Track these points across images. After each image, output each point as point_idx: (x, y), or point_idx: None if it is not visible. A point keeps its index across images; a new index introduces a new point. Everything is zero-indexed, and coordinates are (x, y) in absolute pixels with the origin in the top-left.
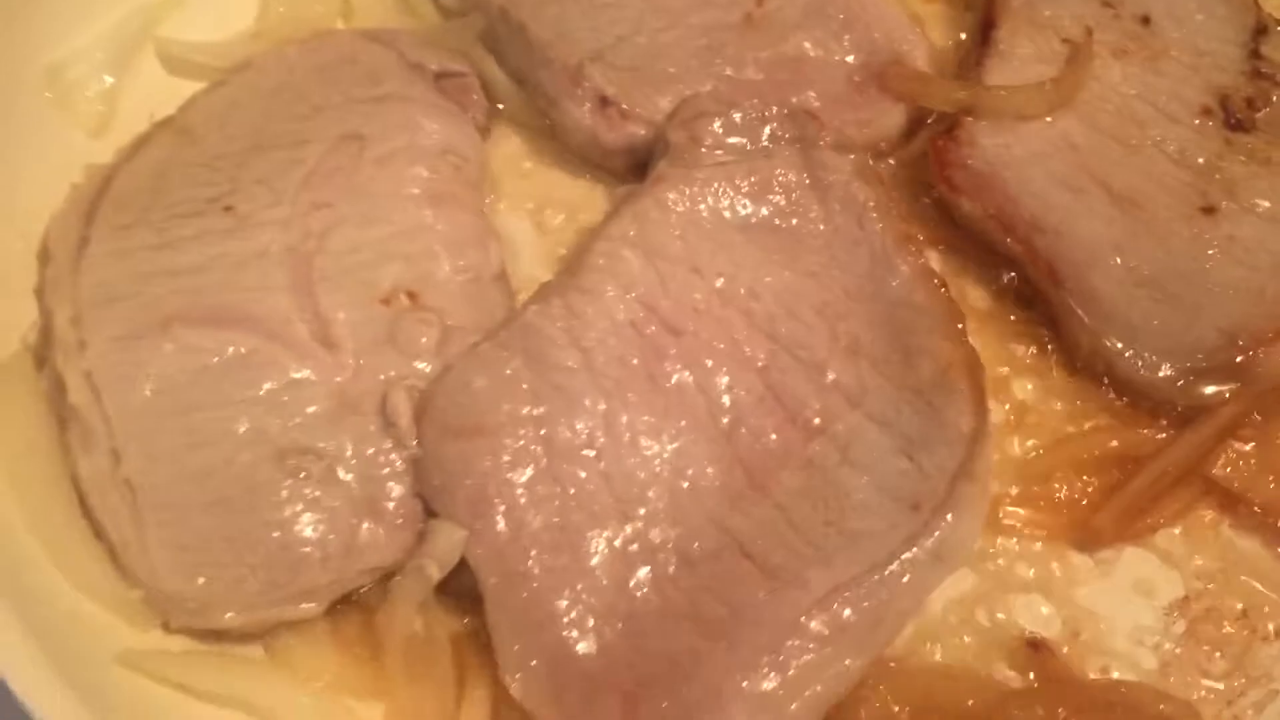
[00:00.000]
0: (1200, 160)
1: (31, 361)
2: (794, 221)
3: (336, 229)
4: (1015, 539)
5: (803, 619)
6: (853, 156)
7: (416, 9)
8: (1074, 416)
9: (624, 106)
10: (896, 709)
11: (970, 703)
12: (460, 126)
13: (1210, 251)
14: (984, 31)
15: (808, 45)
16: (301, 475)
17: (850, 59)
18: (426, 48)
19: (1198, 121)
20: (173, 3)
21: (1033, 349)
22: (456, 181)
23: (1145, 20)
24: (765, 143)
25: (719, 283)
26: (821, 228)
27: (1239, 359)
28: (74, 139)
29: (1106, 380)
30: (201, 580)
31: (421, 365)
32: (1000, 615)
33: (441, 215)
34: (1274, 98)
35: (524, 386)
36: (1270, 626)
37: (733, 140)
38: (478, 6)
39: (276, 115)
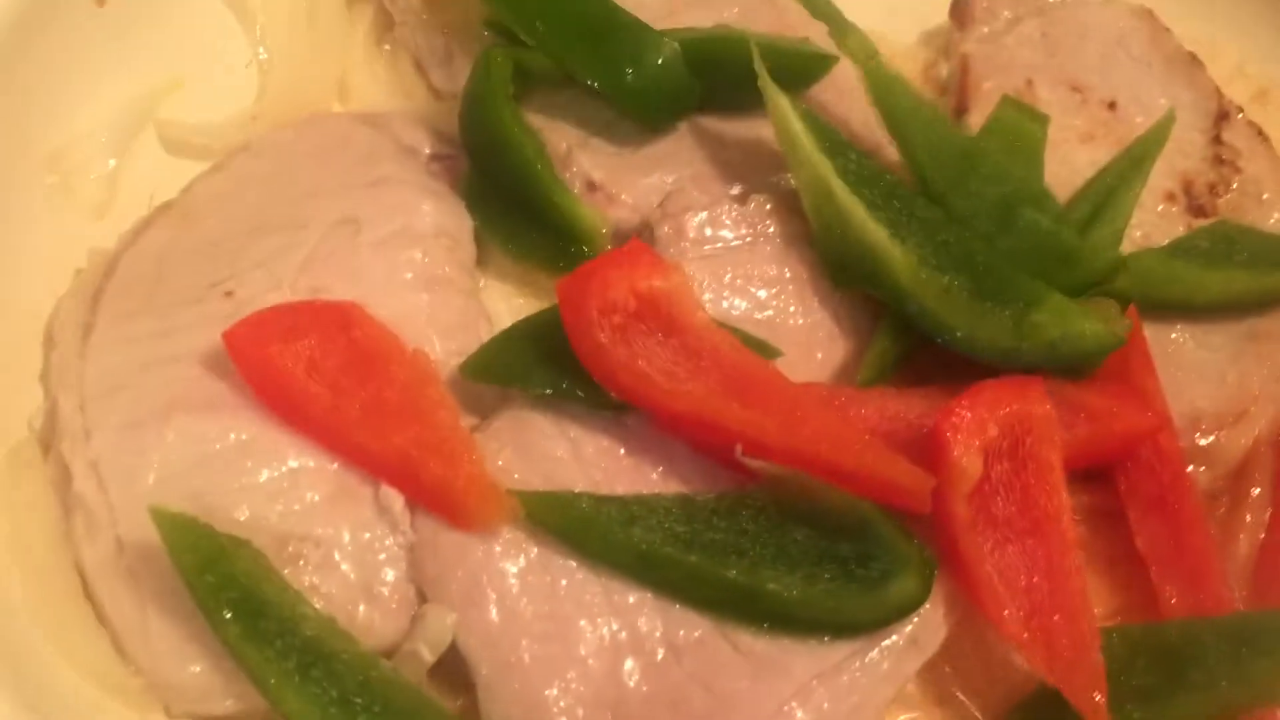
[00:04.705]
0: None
1: (38, 447)
2: (772, 314)
3: None
4: None
5: (785, 707)
6: None
7: (411, 91)
8: None
9: (610, 190)
10: None
11: None
12: (452, 208)
13: (1173, 335)
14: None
15: None
16: (300, 562)
17: None
18: (419, 130)
19: (1161, 207)
20: (173, 85)
21: None
22: (449, 263)
23: (1112, 105)
24: (747, 237)
25: None
26: (801, 321)
27: (1201, 443)
28: (76, 222)
29: None
30: (200, 668)
31: None
32: None
33: (434, 298)
34: (1234, 184)
35: (515, 476)
36: None
37: (717, 233)
38: None
39: (274, 199)
